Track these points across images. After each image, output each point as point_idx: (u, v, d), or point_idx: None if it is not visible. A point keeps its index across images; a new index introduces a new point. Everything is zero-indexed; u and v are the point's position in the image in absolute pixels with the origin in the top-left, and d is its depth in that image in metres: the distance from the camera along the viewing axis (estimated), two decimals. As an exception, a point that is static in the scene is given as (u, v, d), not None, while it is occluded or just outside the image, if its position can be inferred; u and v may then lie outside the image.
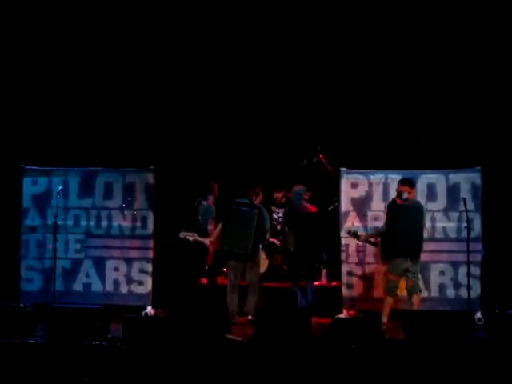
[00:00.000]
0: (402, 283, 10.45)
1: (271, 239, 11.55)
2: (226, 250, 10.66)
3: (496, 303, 10.54)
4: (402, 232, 10.20)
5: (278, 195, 12.32)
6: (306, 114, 13.18)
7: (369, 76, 12.77)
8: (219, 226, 10.90)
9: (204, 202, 11.23)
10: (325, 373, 7.79)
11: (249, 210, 10.70)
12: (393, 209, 10.40)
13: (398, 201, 10.36)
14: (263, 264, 11.38)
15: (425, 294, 11.00)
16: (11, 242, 11.64)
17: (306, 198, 11.11)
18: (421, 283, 10.89)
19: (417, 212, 10.41)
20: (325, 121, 13.06)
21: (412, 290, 10.37)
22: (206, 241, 10.99)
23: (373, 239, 10.79)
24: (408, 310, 10.01)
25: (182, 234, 10.96)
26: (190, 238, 10.97)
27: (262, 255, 11.25)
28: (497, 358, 7.97)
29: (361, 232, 10.83)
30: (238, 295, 10.74)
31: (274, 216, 12.24)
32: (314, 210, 11.03)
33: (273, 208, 12.25)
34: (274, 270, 11.86)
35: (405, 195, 10.34)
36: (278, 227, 11.90)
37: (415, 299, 10.38)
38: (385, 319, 10.14)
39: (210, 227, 11.16)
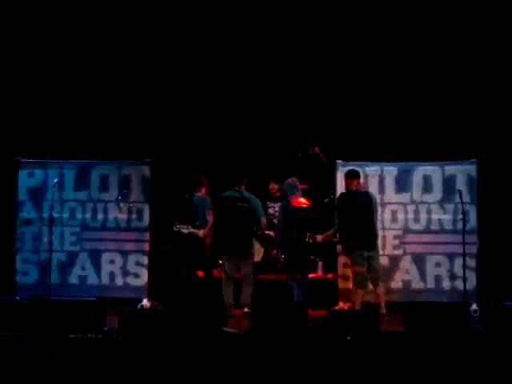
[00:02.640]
0: None
1: (267, 231, 11.50)
2: (218, 245, 10.71)
3: (492, 295, 10.56)
4: (355, 224, 10.29)
5: (275, 187, 12.26)
6: (301, 106, 13.16)
7: (364, 68, 12.75)
8: (211, 220, 10.91)
9: (198, 194, 11.21)
10: (321, 365, 7.80)
11: (240, 204, 10.70)
12: (343, 201, 10.46)
13: (346, 195, 10.48)
14: (258, 253, 11.37)
15: (421, 285, 11.06)
16: (7, 234, 11.62)
17: (299, 190, 11.10)
18: (416, 274, 10.96)
19: (368, 202, 10.47)
20: (321, 113, 13.05)
21: (373, 281, 10.47)
22: (200, 233, 10.98)
23: (332, 236, 10.83)
24: (403, 302, 10.05)
25: (176, 227, 10.95)
26: (185, 231, 10.96)
27: (257, 245, 11.23)
28: (492, 350, 7.99)
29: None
30: (233, 288, 10.75)
31: (270, 211, 12.19)
32: (307, 203, 11.02)
33: (268, 203, 12.21)
34: (270, 262, 11.84)
35: (353, 188, 10.43)
36: (275, 221, 11.87)
37: (379, 289, 10.49)
38: (357, 308, 10.31)
39: (208, 218, 11.14)
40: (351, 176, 10.59)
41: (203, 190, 11.33)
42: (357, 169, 11.00)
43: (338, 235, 10.68)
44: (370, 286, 10.63)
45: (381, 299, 10.50)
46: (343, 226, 10.47)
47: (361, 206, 10.41)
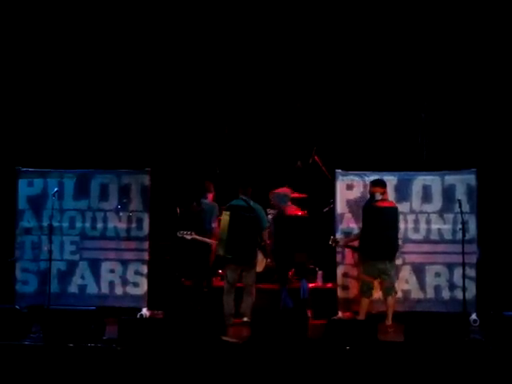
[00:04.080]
0: (377, 285, 10.56)
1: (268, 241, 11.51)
2: (224, 255, 10.69)
3: (491, 305, 10.55)
4: (377, 234, 10.29)
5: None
6: (301, 115, 13.18)
7: (364, 78, 12.77)
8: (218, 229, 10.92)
9: (206, 201, 11.20)
10: (320, 374, 7.79)
11: (247, 214, 10.69)
12: (367, 211, 10.48)
13: (373, 203, 10.42)
14: (260, 264, 11.36)
15: (420, 295, 11.05)
16: (6, 243, 11.62)
17: (289, 200, 11.17)
18: (415, 284, 10.96)
19: (391, 213, 10.50)
20: (320, 122, 13.06)
21: (387, 291, 10.48)
22: (211, 241, 11.00)
23: (353, 243, 10.85)
24: (402, 312, 10.05)
25: (179, 233, 10.94)
26: (188, 237, 10.95)
27: (260, 255, 11.23)
28: (492, 360, 7.98)
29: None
30: (234, 297, 10.74)
31: (270, 217, 12.19)
32: (298, 212, 11.07)
33: (268, 210, 12.21)
34: (270, 271, 11.83)
35: (378, 196, 10.43)
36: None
37: (390, 301, 10.49)
38: (361, 317, 10.35)
39: (214, 225, 11.13)
40: (379, 185, 10.57)
41: (211, 196, 11.33)
42: (356, 178, 11.02)
43: (358, 242, 10.70)
44: (378, 296, 10.63)
45: (389, 310, 10.45)
46: (369, 233, 10.45)
47: (388, 216, 10.42)
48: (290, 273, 11.70)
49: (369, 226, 10.45)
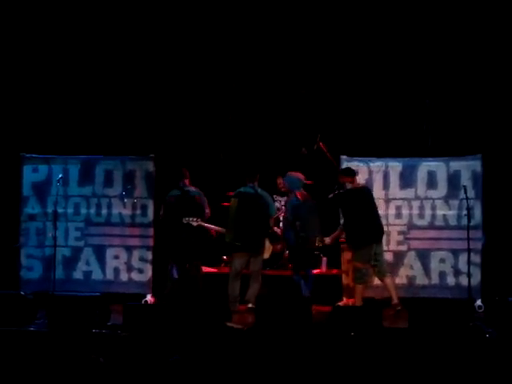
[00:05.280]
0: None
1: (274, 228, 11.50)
2: (234, 242, 10.67)
3: (496, 291, 10.55)
4: (364, 219, 10.28)
5: (282, 181, 12.24)
6: (305, 101, 13.13)
7: (369, 63, 12.71)
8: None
9: (192, 188, 11.07)
10: (324, 360, 7.79)
11: (255, 201, 10.69)
12: (345, 199, 10.45)
13: (346, 190, 10.44)
14: (267, 250, 11.35)
15: (425, 281, 11.06)
16: (11, 230, 11.63)
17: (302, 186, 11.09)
18: (420, 270, 10.97)
19: (369, 196, 10.50)
20: (325, 108, 13.01)
21: (381, 274, 10.46)
22: (218, 228, 10.98)
23: (339, 237, 10.86)
24: (407, 298, 10.05)
25: (185, 220, 10.94)
26: (194, 224, 10.95)
27: (266, 242, 11.23)
28: (497, 346, 7.98)
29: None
30: (240, 283, 10.74)
31: (277, 205, 12.17)
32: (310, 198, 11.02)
33: (275, 196, 12.20)
34: (275, 257, 11.84)
35: (348, 186, 10.43)
36: (280, 216, 11.85)
37: (387, 281, 10.47)
38: (358, 304, 10.32)
39: (207, 210, 11.09)
40: (347, 173, 10.57)
41: (187, 181, 11.19)
42: (361, 164, 11.01)
43: (343, 234, 10.69)
44: (374, 281, 10.63)
45: (391, 290, 10.43)
46: (351, 222, 10.43)
47: (365, 200, 10.42)
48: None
49: (349, 214, 10.43)
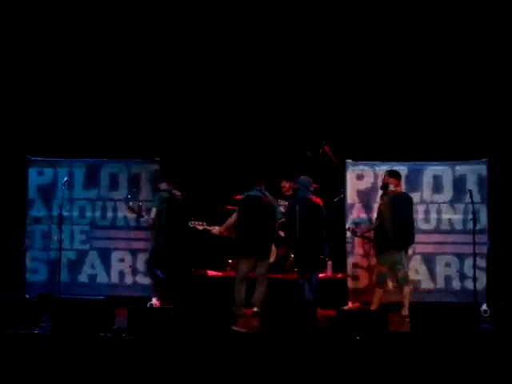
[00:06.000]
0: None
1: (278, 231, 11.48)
2: (243, 247, 10.65)
3: (502, 295, 10.52)
4: (396, 223, 10.25)
5: (286, 185, 12.21)
6: (311, 105, 13.13)
7: (375, 67, 12.72)
8: (233, 218, 10.84)
9: (176, 192, 11.02)
10: (330, 365, 7.78)
11: (264, 205, 10.67)
12: (386, 200, 10.43)
13: (390, 192, 10.39)
14: (272, 254, 11.34)
15: (430, 285, 11.05)
16: (17, 232, 11.64)
17: (312, 189, 11.01)
18: (426, 274, 10.95)
19: (407, 203, 10.48)
20: (330, 112, 13.01)
21: (403, 281, 10.41)
22: (215, 230, 10.95)
23: (368, 234, 10.83)
24: (412, 302, 10.02)
25: (191, 223, 10.92)
26: (200, 227, 10.94)
27: (272, 246, 11.22)
28: (502, 350, 7.95)
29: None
30: (246, 287, 10.71)
31: (282, 209, 12.14)
32: (319, 201, 10.96)
33: (279, 201, 12.17)
34: (280, 261, 11.82)
35: (391, 187, 10.40)
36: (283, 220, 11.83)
37: (406, 290, 10.43)
38: (374, 307, 10.30)
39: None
40: (395, 176, 10.55)
41: (171, 185, 11.11)
42: (367, 168, 10.99)
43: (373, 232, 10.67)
44: (389, 286, 10.61)
45: (405, 300, 10.37)
46: (385, 224, 10.38)
47: (403, 207, 10.40)
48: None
49: (387, 215, 10.38)
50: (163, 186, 10.87)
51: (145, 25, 12.75)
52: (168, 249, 10.68)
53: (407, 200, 10.54)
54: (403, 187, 10.92)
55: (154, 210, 10.76)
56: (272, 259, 11.36)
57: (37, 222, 11.48)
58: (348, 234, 10.89)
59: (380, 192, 10.77)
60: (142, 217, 10.87)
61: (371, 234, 10.78)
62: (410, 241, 10.50)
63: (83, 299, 9.43)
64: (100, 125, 12.82)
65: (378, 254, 10.59)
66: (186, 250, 10.94)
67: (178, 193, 10.93)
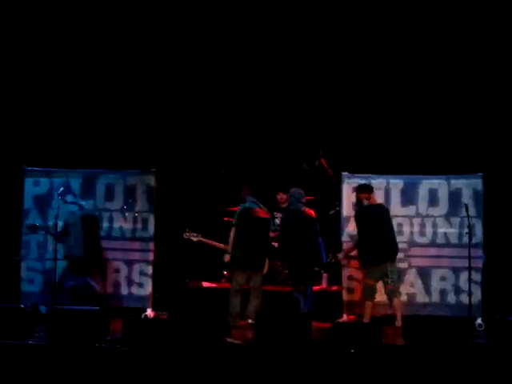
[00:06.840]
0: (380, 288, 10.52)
1: (272, 243, 11.48)
2: (239, 258, 10.64)
3: (497, 309, 10.53)
4: (375, 236, 10.26)
5: (283, 197, 12.17)
6: (307, 117, 13.15)
7: (371, 80, 12.75)
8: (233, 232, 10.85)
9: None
10: (324, 377, 7.77)
11: (260, 218, 10.68)
12: (363, 215, 10.43)
13: (363, 207, 10.41)
14: (265, 266, 11.34)
15: (425, 299, 11.03)
16: (12, 242, 11.63)
17: (304, 201, 11.02)
18: (421, 288, 10.94)
19: (386, 214, 10.48)
20: (327, 124, 13.04)
21: (392, 293, 10.40)
22: (218, 244, 10.99)
23: (351, 253, 10.83)
24: (407, 315, 10.02)
25: (186, 235, 10.93)
26: (194, 239, 10.94)
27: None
28: (497, 365, 7.96)
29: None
30: (241, 299, 10.70)
31: (277, 221, 12.13)
32: (311, 213, 10.98)
33: (275, 213, 12.16)
34: (274, 273, 11.82)
35: (365, 202, 10.41)
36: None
37: (396, 302, 10.42)
38: (366, 320, 10.26)
39: None
40: (365, 190, 10.56)
41: None
42: (362, 181, 11.01)
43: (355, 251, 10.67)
44: (382, 299, 10.60)
45: (397, 312, 10.36)
46: (365, 239, 10.39)
47: (381, 218, 10.40)
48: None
49: (365, 231, 10.42)
50: None
51: (143, 35, 12.76)
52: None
53: (382, 210, 10.54)
54: (399, 200, 10.94)
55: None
56: (264, 271, 11.35)
57: (32, 232, 11.45)
58: (331, 260, 10.82)
59: (356, 208, 10.79)
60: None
61: (355, 252, 10.77)
62: (394, 251, 10.44)
63: (78, 309, 9.41)
64: (96, 135, 12.83)
65: (363, 268, 10.59)
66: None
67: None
